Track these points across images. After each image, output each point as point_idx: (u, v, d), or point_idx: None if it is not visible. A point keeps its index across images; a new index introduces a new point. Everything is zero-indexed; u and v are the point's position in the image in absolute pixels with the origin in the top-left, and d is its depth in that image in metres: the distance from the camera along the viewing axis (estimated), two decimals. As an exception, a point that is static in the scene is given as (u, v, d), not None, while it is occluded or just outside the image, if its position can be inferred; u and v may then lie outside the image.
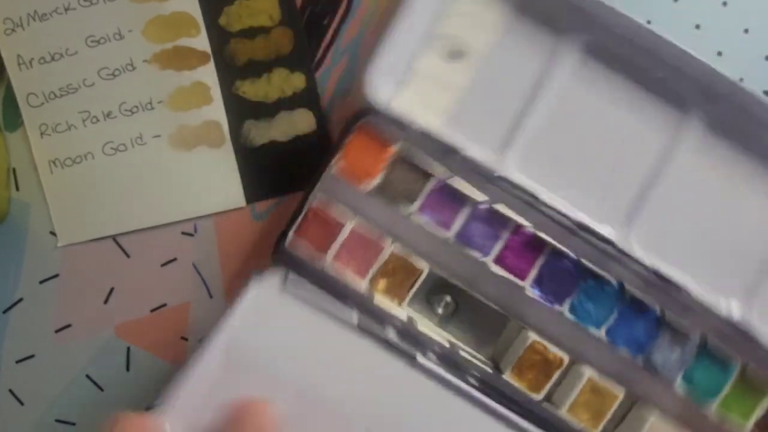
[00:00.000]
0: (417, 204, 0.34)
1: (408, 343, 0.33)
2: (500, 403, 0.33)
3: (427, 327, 0.35)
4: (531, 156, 0.34)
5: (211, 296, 0.38)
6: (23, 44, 0.36)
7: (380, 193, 0.34)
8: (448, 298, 0.37)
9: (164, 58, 0.37)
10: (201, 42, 0.37)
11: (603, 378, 0.34)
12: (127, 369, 0.38)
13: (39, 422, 0.38)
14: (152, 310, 0.38)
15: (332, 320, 0.33)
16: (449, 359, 0.33)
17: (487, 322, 0.36)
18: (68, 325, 0.38)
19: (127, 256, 0.38)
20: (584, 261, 0.34)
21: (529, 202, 0.33)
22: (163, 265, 0.38)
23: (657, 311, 0.34)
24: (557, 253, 0.34)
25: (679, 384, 0.34)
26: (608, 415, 0.34)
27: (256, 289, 0.32)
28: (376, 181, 0.34)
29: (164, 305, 0.38)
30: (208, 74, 0.37)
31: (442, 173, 0.34)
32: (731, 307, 0.33)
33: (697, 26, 0.38)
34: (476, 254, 0.34)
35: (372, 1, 0.37)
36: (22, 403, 0.38)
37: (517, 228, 0.34)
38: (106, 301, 0.38)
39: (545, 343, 0.34)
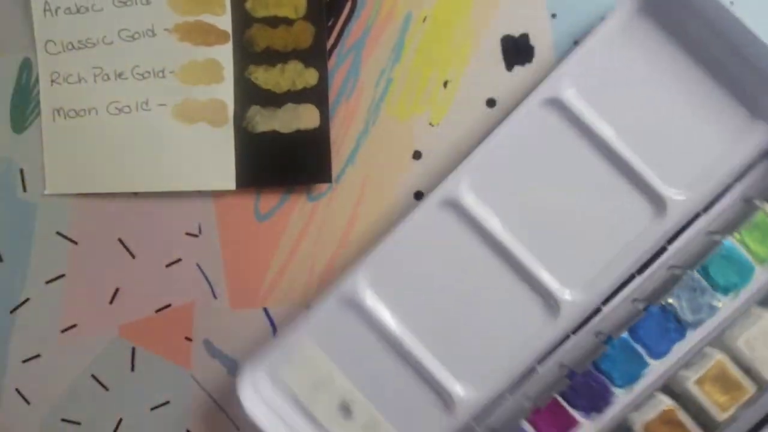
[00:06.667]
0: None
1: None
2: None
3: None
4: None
5: (215, 297, 0.38)
6: (52, -9, 0.37)
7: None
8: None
9: (184, 30, 0.37)
10: (224, 21, 0.37)
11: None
12: (132, 369, 0.38)
13: (45, 421, 0.38)
14: (157, 311, 0.38)
15: None
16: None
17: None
18: (74, 325, 0.38)
19: (132, 256, 0.38)
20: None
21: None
22: (167, 265, 0.38)
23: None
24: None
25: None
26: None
27: None
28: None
29: (169, 306, 0.38)
30: (223, 54, 0.37)
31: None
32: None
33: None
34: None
35: (376, 2, 0.38)
36: (28, 403, 0.38)
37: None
38: (111, 302, 0.38)
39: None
